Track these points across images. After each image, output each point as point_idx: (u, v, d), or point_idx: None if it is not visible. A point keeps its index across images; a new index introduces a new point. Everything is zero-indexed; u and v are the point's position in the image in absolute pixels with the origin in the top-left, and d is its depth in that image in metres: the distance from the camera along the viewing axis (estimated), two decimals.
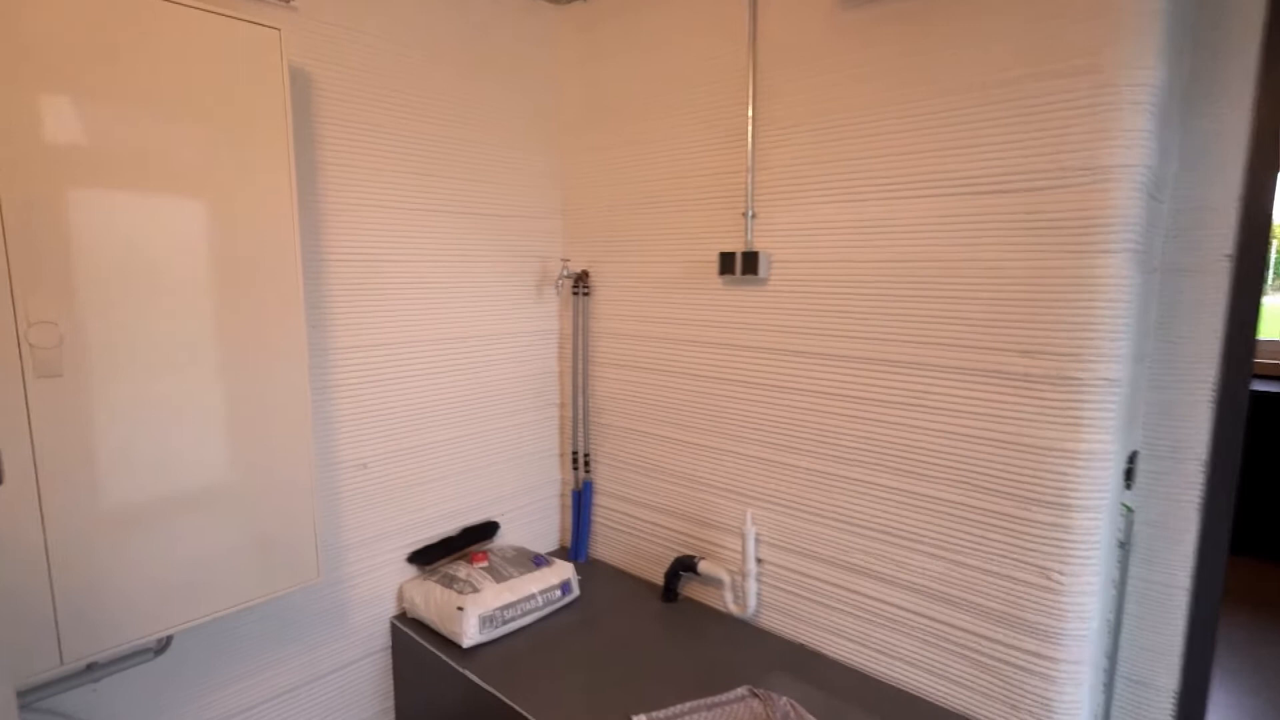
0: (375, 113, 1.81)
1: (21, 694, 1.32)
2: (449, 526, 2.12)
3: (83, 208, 1.22)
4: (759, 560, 1.90)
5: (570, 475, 2.40)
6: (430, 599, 1.90)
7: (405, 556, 2.01)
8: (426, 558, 2.03)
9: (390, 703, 2.02)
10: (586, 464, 2.35)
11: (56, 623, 1.24)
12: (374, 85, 1.80)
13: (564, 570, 2.05)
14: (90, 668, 1.40)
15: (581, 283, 2.28)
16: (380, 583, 1.96)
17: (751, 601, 1.90)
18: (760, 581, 1.90)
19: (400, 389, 1.94)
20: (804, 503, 1.78)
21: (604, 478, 2.33)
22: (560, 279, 2.34)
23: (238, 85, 1.38)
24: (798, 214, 1.73)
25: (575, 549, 2.38)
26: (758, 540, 1.89)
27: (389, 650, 2.00)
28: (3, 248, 1.14)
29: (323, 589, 1.82)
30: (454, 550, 2.09)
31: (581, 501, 2.35)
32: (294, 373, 1.51)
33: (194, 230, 1.35)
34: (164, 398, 1.34)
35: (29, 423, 1.19)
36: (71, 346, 1.22)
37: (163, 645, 1.51)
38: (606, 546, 2.36)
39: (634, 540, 2.26)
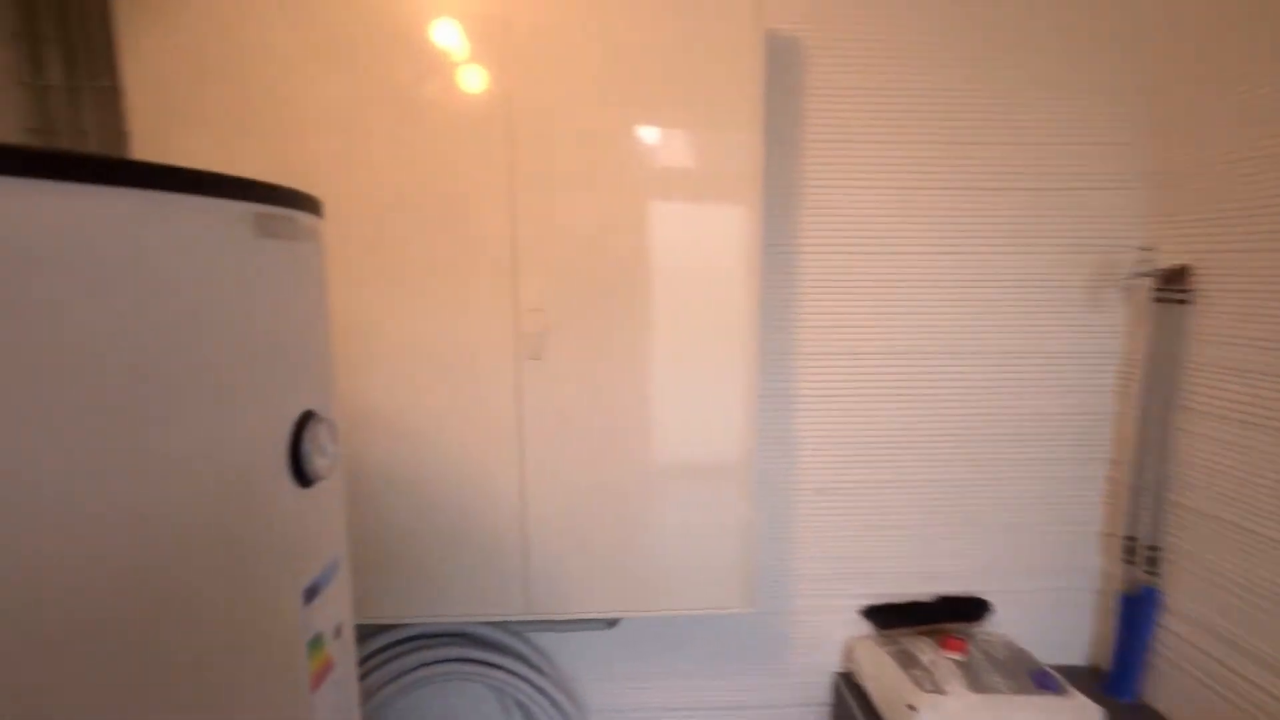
0: (861, 72, 1.49)
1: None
2: (920, 588, 1.68)
3: (558, 207, 1.30)
4: None
5: (1119, 569, 1.62)
6: (881, 673, 1.53)
7: (860, 609, 1.67)
8: (885, 619, 1.65)
9: None
10: (1151, 561, 1.54)
11: (526, 576, 1.40)
12: (864, 38, 1.48)
13: (1086, 710, 1.37)
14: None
15: (1175, 284, 1.47)
16: (826, 630, 1.68)
17: None
18: None
19: (872, 409, 1.60)
20: None
21: (1184, 592, 1.48)
22: (1132, 277, 1.56)
23: (703, 58, 1.27)
24: None
25: (1116, 680, 1.60)
26: None
27: (828, 710, 1.71)
28: (513, 247, 1.30)
29: (760, 617, 1.66)
30: (923, 620, 1.65)
31: (1136, 614, 1.56)
32: (739, 376, 1.36)
33: (649, 223, 1.31)
34: (611, 387, 1.36)
35: (518, 398, 1.35)
36: (553, 333, 1.33)
37: (612, 622, 1.59)
38: (1175, 694, 1.51)
39: (1234, 708, 1.37)
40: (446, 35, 1.24)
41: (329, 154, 1.26)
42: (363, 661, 1.49)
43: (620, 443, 1.36)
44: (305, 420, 0.65)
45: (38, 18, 1.46)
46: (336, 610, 0.72)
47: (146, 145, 1.28)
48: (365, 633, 1.49)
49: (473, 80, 1.25)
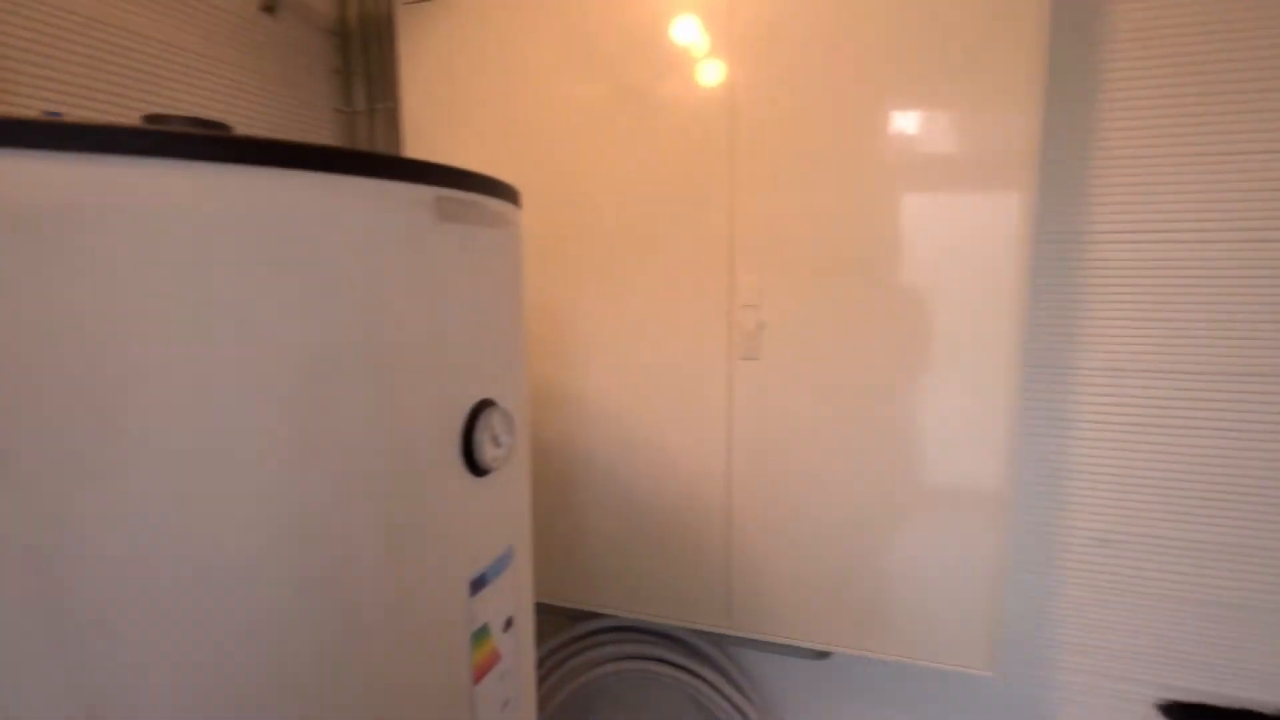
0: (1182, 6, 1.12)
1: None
2: (1253, 692, 1.24)
3: (780, 199, 1.18)
4: None
5: None
6: None
7: (1157, 702, 1.30)
8: None
9: None
10: None
11: (729, 588, 1.32)
12: None
13: None
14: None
15: None
16: (1101, 716, 1.33)
17: None
18: None
19: (1185, 443, 1.22)
20: None
21: None
22: None
23: (962, 21, 1.06)
24: None
25: None
26: None
27: None
28: (729, 236, 1.23)
29: (1007, 686, 1.37)
30: None
31: None
32: (997, 390, 1.12)
33: (888, 215, 1.13)
34: (835, 394, 1.21)
35: (729, 400, 1.27)
36: (770, 332, 1.23)
37: (822, 654, 1.43)
38: None
39: None
40: (674, 31, 1.21)
41: (580, 156, 1.30)
42: (562, 646, 1.53)
43: (842, 456, 1.21)
44: (480, 409, 0.64)
45: (350, 55, 1.74)
46: (508, 603, 0.71)
47: (417, 155, 1.46)
48: (569, 617, 1.53)
49: (695, 72, 1.20)
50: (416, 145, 1.48)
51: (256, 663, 0.48)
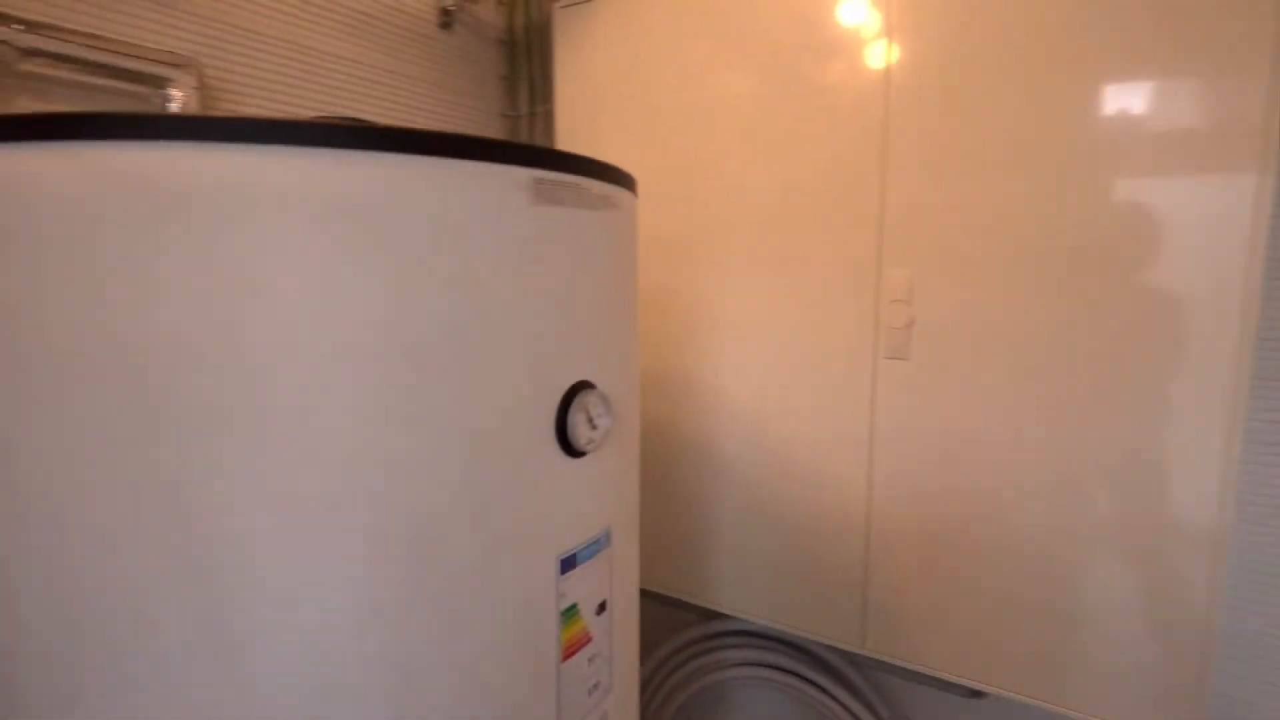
0: None
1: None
2: None
3: (938, 187, 1.07)
4: None
5: None
6: None
7: None
8: None
9: None
10: None
11: (864, 607, 1.22)
12: None
13: None
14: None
15: None
16: None
17: None
18: None
19: None
20: None
21: None
22: None
23: None
24: None
25: None
26: None
27: None
28: (879, 227, 1.14)
29: None
30: None
31: None
32: (1212, 407, 0.92)
33: (1071, 202, 0.98)
34: (997, 402, 1.06)
35: (872, 402, 1.18)
36: (922, 330, 1.12)
37: (976, 692, 1.28)
38: None
39: None
40: (831, 16, 1.15)
41: (725, 147, 1.28)
42: (686, 646, 1.51)
43: (1006, 474, 1.07)
44: (576, 390, 0.64)
45: (516, 61, 1.86)
46: (602, 586, 0.71)
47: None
48: (698, 617, 1.51)
49: (850, 58, 1.13)
50: (567, 143, 1.54)
51: (347, 605, 0.52)
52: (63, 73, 1.00)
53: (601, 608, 0.71)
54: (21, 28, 0.93)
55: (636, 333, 0.81)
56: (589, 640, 0.69)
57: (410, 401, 0.53)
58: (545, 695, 0.64)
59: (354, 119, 0.62)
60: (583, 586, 0.67)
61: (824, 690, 1.37)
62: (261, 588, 0.49)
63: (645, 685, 1.58)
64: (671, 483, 1.40)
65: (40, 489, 0.48)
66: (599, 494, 0.70)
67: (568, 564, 0.65)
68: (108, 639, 0.49)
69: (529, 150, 0.59)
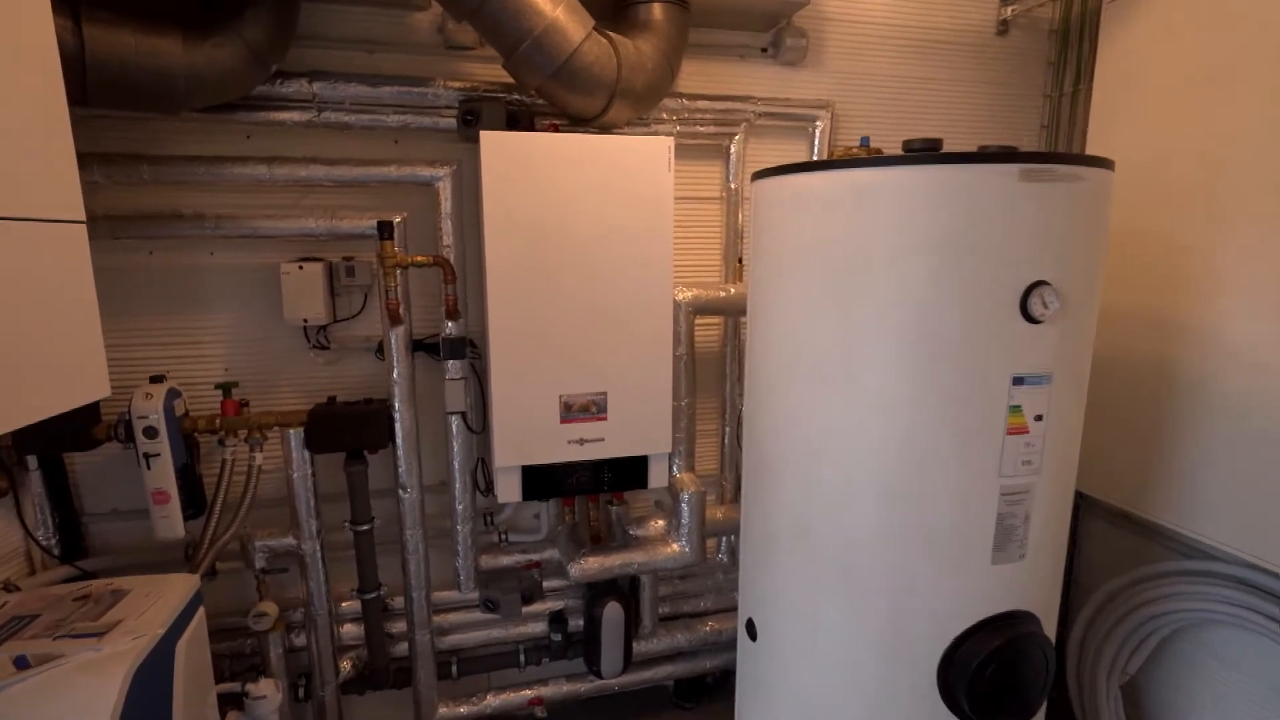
0: None
1: None
2: None
3: None
4: None
5: None
6: None
7: None
8: None
9: None
10: None
11: None
12: None
13: None
14: None
15: None
16: None
17: None
18: None
19: None
20: None
21: None
22: None
23: None
24: None
25: None
26: None
27: None
28: None
29: None
30: None
31: None
32: None
33: None
34: None
35: None
36: None
37: None
38: None
39: None
40: None
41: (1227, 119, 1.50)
42: (1151, 580, 1.72)
43: None
44: (1035, 286, 1.15)
45: (1066, 48, 2.17)
46: (1040, 404, 1.20)
47: (1095, 135, 1.84)
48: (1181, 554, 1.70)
49: None
50: (1100, 118, 1.85)
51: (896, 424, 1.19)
52: (764, 122, 1.93)
53: (1039, 418, 1.20)
54: (756, 102, 1.87)
55: (1101, 258, 1.24)
56: (1026, 432, 1.19)
57: (942, 288, 1.15)
58: (994, 451, 1.20)
59: (927, 139, 1.24)
60: (1025, 398, 1.18)
61: None
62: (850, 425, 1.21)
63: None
64: (1150, 405, 1.66)
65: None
66: (1046, 350, 1.19)
67: (1018, 381, 1.17)
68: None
69: (1019, 153, 1.12)
